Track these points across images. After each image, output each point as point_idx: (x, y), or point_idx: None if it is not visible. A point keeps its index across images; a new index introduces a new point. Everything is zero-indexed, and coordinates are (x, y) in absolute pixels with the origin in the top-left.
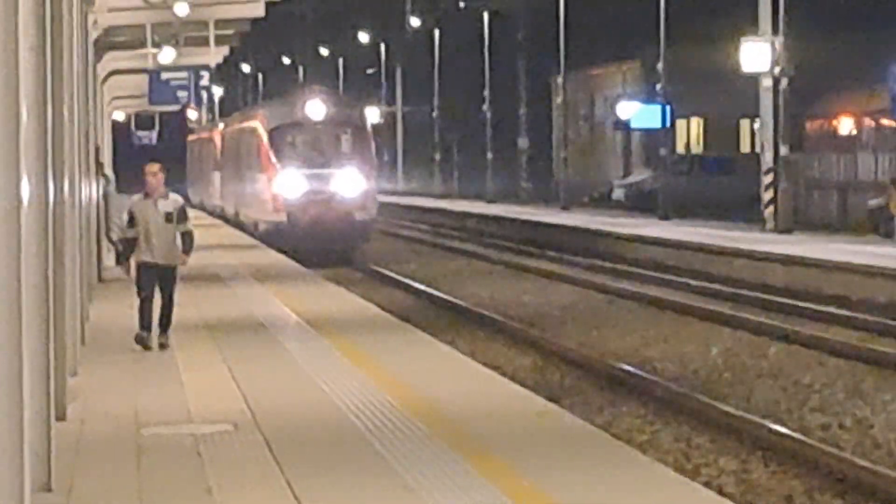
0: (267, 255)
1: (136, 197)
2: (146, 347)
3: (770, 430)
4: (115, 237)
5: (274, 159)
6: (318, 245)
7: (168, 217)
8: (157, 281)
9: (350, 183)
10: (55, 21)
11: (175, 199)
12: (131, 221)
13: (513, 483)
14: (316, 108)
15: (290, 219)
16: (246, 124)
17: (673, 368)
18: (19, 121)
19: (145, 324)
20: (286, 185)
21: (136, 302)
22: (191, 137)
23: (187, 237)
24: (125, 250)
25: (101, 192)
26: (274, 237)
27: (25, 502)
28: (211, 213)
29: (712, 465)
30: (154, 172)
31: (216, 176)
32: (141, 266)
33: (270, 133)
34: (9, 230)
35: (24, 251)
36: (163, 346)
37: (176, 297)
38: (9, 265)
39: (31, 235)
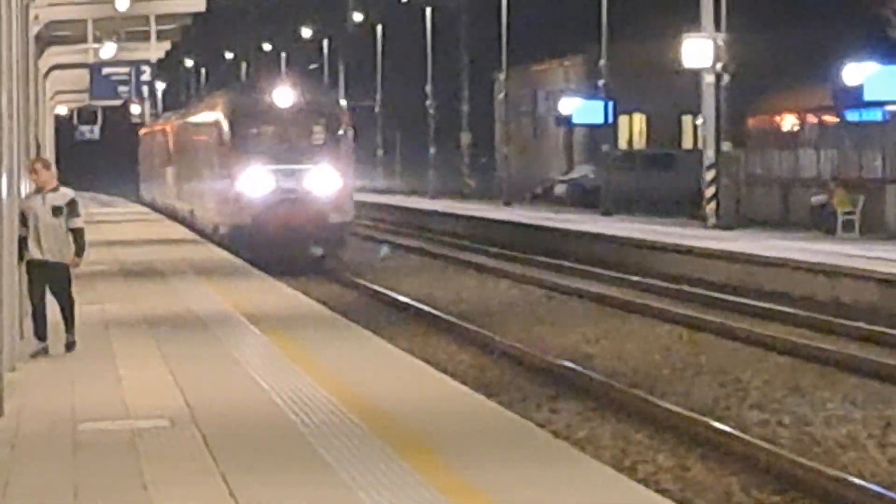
0: (207, 250)
1: (26, 193)
2: (45, 353)
3: (709, 426)
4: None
5: (237, 153)
6: (286, 251)
7: (56, 211)
8: (48, 282)
9: (324, 181)
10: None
11: (65, 192)
12: (22, 219)
13: (449, 480)
14: (285, 94)
15: (255, 221)
16: (204, 114)
17: (612, 365)
18: None
19: (39, 332)
20: (251, 182)
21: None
22: (143, 130)
23: (78, 235)
24: (20, 250)
25: None
26: (236, 242)
27: None
28: (163, 213)
29: (650, 461)
30: (44, 166)
31: (169, 172)
32: (29, 265)
33: (233, 123)
34: None
35: None
36: (69, 347)
37: (76, 296)
38: None
39: None
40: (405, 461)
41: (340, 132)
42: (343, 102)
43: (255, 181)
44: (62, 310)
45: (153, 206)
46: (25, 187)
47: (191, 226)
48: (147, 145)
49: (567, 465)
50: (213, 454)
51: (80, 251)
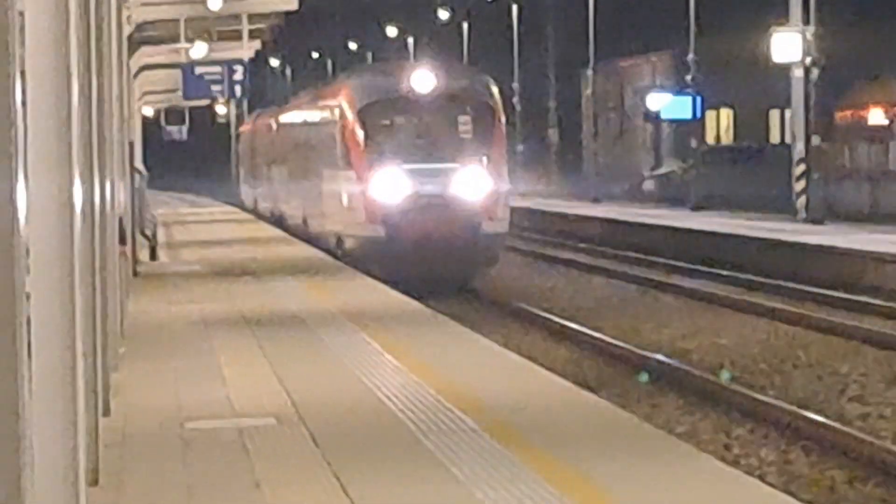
0: (299, 248)
1: None
2: None
3: (810, 420)
4: (148, 232)
5: (367, 150)
6: (428, 269)
7: None
8: None
9: (474, 183)
10: (98, 20)
11: None
12: None
13: (561, 474)
14: (425, 78)
15: (389, 233)
16: (322, 103)
17: (710, 359)
18: (71, 122)
19: None
20: (384, 186)
21: None
22: (242, 127)
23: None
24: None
25: (135, 187)
26: (366, 257)
27: (81, 497)
28: (267, 220)
29: (753, 455)
30: None
31: (275, 173)
32: None
33: (361, 114)
34: (63, 232)
35: (80, 250)
36: None
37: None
38: (63, 266)
39: (81, 235)
40: (515, 456)
41: (492, 123)
42: (495, 87)
43: (390, 184)
44: None
45: (256, 213)
46: (124, 188)
47: (304, 236)
48: (248, 143)
49: (676, 458)
50: (323, 452)
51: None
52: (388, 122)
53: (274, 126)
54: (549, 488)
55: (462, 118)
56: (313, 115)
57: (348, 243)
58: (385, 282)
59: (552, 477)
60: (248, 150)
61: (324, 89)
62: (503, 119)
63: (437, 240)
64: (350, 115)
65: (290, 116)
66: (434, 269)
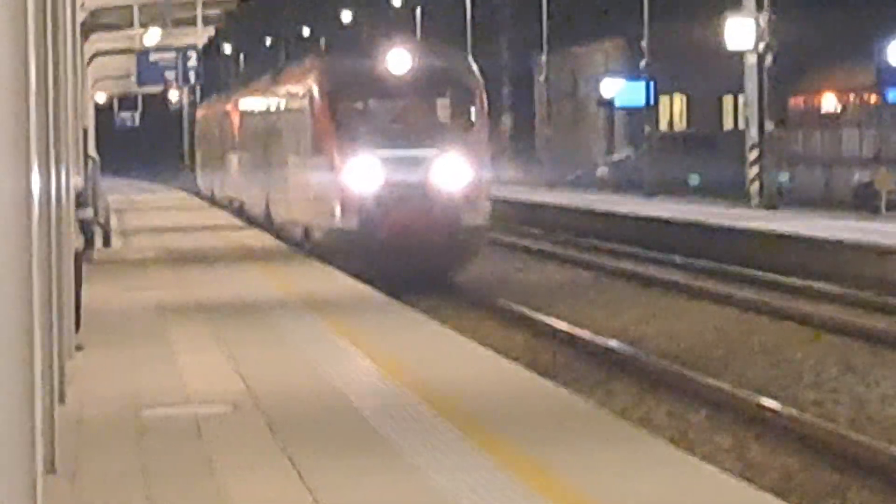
0: (253, 235)
1: None
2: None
3: (765, 406)
4: (101, 220)
5: (338, 135)
6: (403, 263)
7: None
8: None
9: (454, 171)
10: (53, 7)
11: (74, 180)
12: None
13: (518, 460)
14: (401, 58)
15: (362, 224)
16: (290, 85)
17: (664, 345)
18: (28, 110)
19: None
20: (357, 174)
21: None
22: (200, 112)
23: (86, 226)
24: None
25: (87, 174)
26: (336, 250)
27: (38, 485)
28: (226, 209)
29: (709, 442)
30: None
31: (235, 160)
32: None
33: (332, 96)
34: (20, 221)
35: (37, 238)
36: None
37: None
38: (21, 255)
39: (38, 223)
40: (472, 442)
41: (474, 107)
42: (476, 68)
43: (363, 172)
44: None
45: (214, 201)
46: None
47: (266, 226)
48: (205, 127)
49: (632, 444)
50: (279, 439)
51: (89, 243)
52: (360, 104)
53: (235, 109)
54: (507, 474)
55: (441, 101)
56: (279, 98)
57: (317, 235)
58: (356, 276)
59: (510, 463)
60: (205, 134)
61: (291, 70)
62: (485, 102)
63: (413, 232)
64: (320, 98)
65: (254, 98)
66: (410, 264)
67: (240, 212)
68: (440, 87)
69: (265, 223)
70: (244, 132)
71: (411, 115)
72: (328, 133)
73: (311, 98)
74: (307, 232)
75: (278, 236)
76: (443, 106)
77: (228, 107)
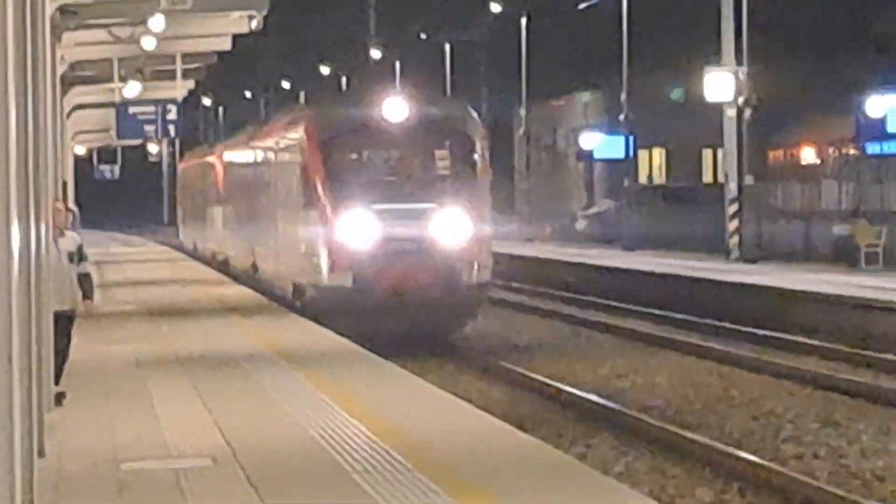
0: (231, 288)
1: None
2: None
3: (745, 460)
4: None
5: (331, 187)
6: (402, 322)
7: (70, 256)
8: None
9: (453, 226)
10: (34, 60)
11: (72, 236)
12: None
13: None
14: (397, 107)
15: (357, 282)
16: (278, 137)
17: (644, 399)
18: (8, 163)
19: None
20: (352, 229)
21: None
22: (181, 166)
23: (86, 280)
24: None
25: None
26: (330, 309)
27: None
28: (209, 264)
29: (689, 496)
30: (64, 207)
31: (217, 213)
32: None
33: (324, 146)
34: (3, 281)
35: (17, 290)
36: (59, 399)
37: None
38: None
39: (18, 280)
40: (450, 496)
41: (474, 157)
42: (476, 117)
43: (358, 227)
44: (58, 359)
45: (195, 256)
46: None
47: (252, 283)
48: (188, 180)
49: (612, 498)
50: (259, 493)
51: (89, 294)
52: (355, 155)
53: (220, 161)
54: None
55: (440, 152)
56: (268, 148)
57: (309, 293)
58: (350, 337)
59: None
60: (187, 187)
61: (280, 119)
62: (486, 153)
63: (411, 290)
64: (312, 148)
65: (240, 150)
66: (408, 324)
67: (223, 266)
68: (439, 137)
69: (251, 278)
70: (229, 185)
71: (408, 167)
72: (321, 185)
73: (303, 148)
74: (298, 289)
75: (264, 292)
76: (441, 157)
77: (212, 159)
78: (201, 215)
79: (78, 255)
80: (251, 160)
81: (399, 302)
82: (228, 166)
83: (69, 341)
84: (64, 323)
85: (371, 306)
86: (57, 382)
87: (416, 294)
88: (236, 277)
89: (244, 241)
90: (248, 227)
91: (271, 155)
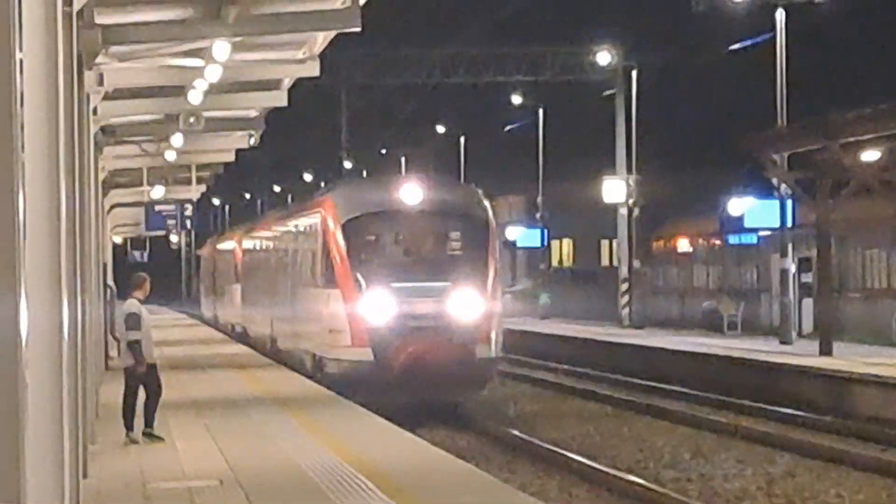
0: (234, 347)
1: (135, 302)
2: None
3: (634, 483)
4: (118, 335)
5: (352, 267)
6: (417, 394)
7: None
8: (148, 380)
9: (467, 303)
10: (81, 170)
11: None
12: (136, 323)
13: None
14: (414, 191)
15: (378, 356)
16: (300, 219)
17: (556, 435)
18: (61, 253)
19: (131, 423)
20: (373, 306)
21: (136, 400)
22: (202, 250)
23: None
24: (138, 353)
25: (107, 298)
26: (351, 382)
27: None
28: (227, 333)
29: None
30: (146, 279)
31: (236, 290)
32: (147, 366)
33: (346, 227)
34: (54, 341)
35: (67, 348)
36: (153, 438)
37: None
38: (54, 361)
39: (69, 339)
40: None
41: (486, 239)
42: (487, 201)
43: (379, 304)
44: (152, 402)
45: (217, 327)
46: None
47: (271, 355)
48: (209, 263)
49: None
50: None
51: (138, 361)
52: (374, 237)
53: (238, 245)
54: None
55: (454, 234)
56: (289, 230)
57: (330, 367)
58: (370, 408)
59: None
60: (209, 269)
61: (301, 204)
62: (496, 234)
63: (428, 364)
64: (333, 230)
65: (260, 233)
66: (424, 395)
67: (241, 337)
68: (453, 220)
69: (270, 353)
70: (248, 264)
71: (425, 248)
72: (342, 265)
73: (325, 229)
74: (318, 362)
75: (283, 362)
76: (455, 238)
77: (231, 243)
78: (221, 292)
79: (127, 323)
80: (270, 242)
81: (416, 375)
82: (247, 249)
83: (159, 387)
84: (152, 373)
85: (390, 379)
86: (150, 424)
87: (432, 368)
88: (252, 346)
89: (263, 315)
90: (267, 303)
91: (293, 236)
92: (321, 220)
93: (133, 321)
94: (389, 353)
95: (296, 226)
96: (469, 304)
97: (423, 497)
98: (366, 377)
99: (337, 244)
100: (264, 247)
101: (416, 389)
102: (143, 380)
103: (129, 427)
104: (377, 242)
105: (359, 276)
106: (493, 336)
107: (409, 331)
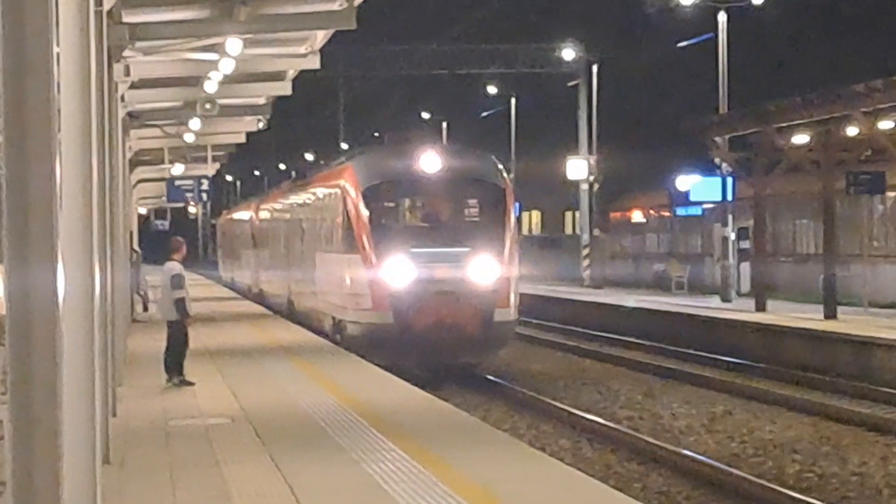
0: (245, 303)
1: (176, 263)
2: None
3: (593, 421)
4: (142, 292)
5: (374, 233)
6: (436, 356)
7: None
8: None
9: (485, 268)
10: (112, 150)
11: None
12: (181, 283)
13: (427, 456)
14: (433, 159)
15: (398, 319)
16: (320, 187)
17: (524, 378)
18: (93, 222)
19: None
20: (393, 270)
21: (175, 350)
22: (221, 219)
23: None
24: (186, 309)
25: (133, 261)
26: (371, 345)
27: (97, 471)
28: (244, 294)
29: (554, 444)
30: (182, 243)
31: (252, 254)
32: (188, 319)
33: (367, 194)
34: (87, 299)
35: (98, 305)
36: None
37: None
38: (87, 316)
39: (100, 297)
40: (394, 444)
41: (502, 205)
42: (503, 169)
43: (399, 268)
44: (182, 352)
45: (233, 288)
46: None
47: (286, 314)
48: (226, 228)
49: (503, 446)
50: (263, 441)
51: (183, 315)
52: (394, 203)
53: (255, 213)
54: (419, 466)
55: (472, 201)
56: (310, 198)
57: (351, 329)
58: (389, 369)
59: (417, 457)
60: (225, 233)
61: (322, 172)
62: (513, 202)
63: (447, 327)
64: (354, 196)
65: (277, 202)
66: (442, 357)
67: (257, 298)
68: (471, 187)
69: (285, 312)
70: (266, 230)
71: (443, 214)
72: (363, 230)
73: (346, 196)
74: (338, 325)
75: (299, 322)
76: (473, 205)
77: (248, 212)
78: (238, 255)
79: (172, 283)
80: (289, 209)
81: (435, 337)
82: (265, 216)
83: (186, 340)
84: (176, 327)
85: (409, 342)
86: (181, 372)
87: (451, 331)
88: (270, 307)
89: (279, 277)
90: (285, 267)
91: (313, 203)
92: (342, 187)
93: (177, 281)
94: (409, 316)
95: (315, 193)
96: (487, 269)
97: (408, 432)
98: (385, 339)
99: (358, 210)
100: (282, 214)
101: (436, 352)
102: (182, 332)
103: (175, 373)
104: (397, 209)
105: (380, 241)
106: (509, 300)
107: (429, 295)
